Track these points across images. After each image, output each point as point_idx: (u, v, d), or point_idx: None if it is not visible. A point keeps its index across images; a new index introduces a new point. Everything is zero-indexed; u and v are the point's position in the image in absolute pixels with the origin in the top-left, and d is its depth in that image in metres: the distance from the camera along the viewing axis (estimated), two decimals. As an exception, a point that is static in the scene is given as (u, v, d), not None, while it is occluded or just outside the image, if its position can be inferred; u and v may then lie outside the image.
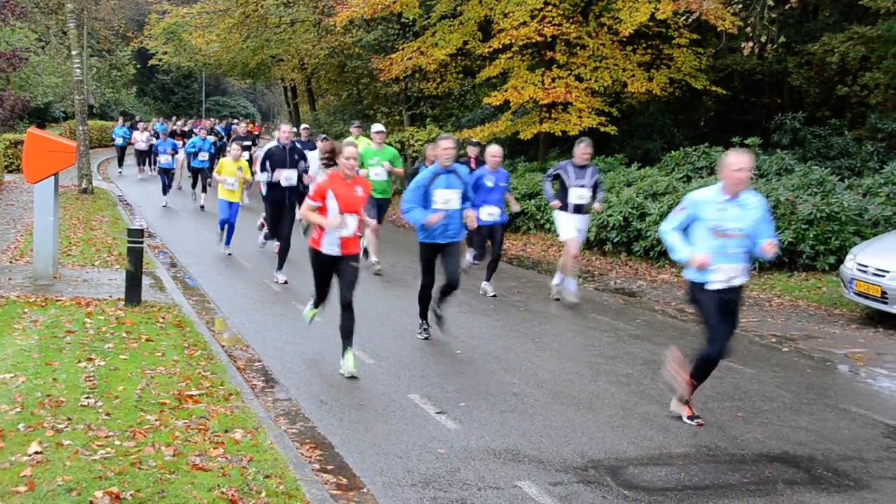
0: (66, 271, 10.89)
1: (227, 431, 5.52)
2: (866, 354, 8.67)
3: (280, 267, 11.32)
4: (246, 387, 6.67)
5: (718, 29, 16.28)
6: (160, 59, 35.80)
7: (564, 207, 10.34)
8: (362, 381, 7.08)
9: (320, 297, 7.63)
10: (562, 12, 17.35)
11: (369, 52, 25.72)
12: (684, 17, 16.14)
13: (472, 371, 7.45)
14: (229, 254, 13.28)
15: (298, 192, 11.25)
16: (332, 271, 7.25)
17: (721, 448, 5.81)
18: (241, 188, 13.41)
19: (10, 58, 21.96)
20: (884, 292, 9.47)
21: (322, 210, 7.04)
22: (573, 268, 10.67)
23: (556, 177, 10.44)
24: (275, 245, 12.08)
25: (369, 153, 12.21)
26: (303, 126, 18.98)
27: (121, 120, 31.22)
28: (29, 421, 5.44)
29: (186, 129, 29.86)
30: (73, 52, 21.43)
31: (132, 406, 5.88)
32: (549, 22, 17.21)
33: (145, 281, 9.76)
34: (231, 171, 13.18)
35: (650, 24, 16.75)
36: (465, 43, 19.59)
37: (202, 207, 19.49)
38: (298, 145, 11.98)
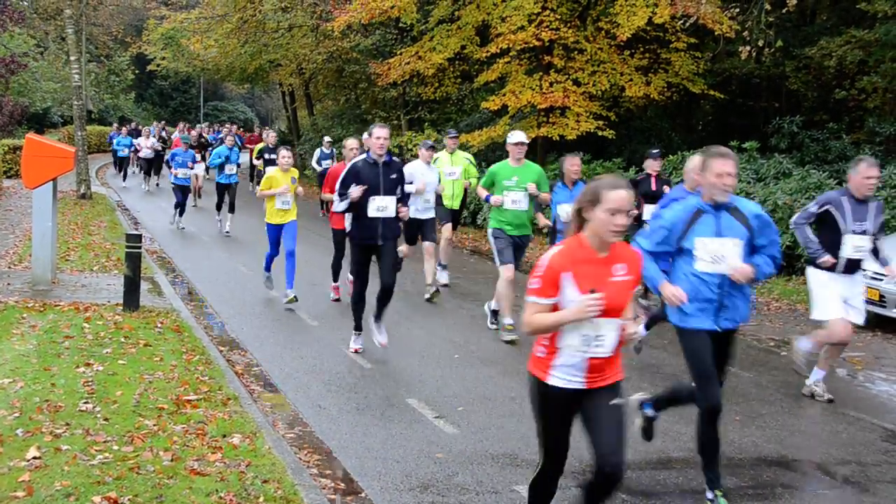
0: (65, 276, 10.89)
1: (225, 436, 5.52)
2: (864, 358, 8.67)
3: (358, 326, 8.05)
4: (244, 391, 6.68)
5: (716, 33, 16.29)
6: (158, 65, 35.85)
7: (833, 265, 6.89)
8: (360, 385, 7.08)
9: (550, 462, 4.04)
10: (559, 17, 17.38)
11: (367, 56, 25.77)
12: (682, 22, 16.18)
13: (471, 375, 7.45)
14: (292, 300, 9.89)
15: (398, 227, 8.11)
16: (570, 416, 3.92)
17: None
18: (294, 205, 10.37)
19: (9, 63, 22.04)
20: (882, 296, 9.48)
21: (555, 310, 3.78)
22: (826, 354, 7.15)
23: (824, 216, 6.87)
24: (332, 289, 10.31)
25: (505, 171, 8.67)
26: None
27: (124, 130, 29.23)
28: (27, 426, 5.45)
29: (213, 134, 26.80)
30: (72, 58, 21.46)
31: (130, 411, 5.88)
32: (547, 26, 17.23)
33: (143, 286, 9.76)
34: (284, 183, 10.18)
35: (648, 28, 16.76)
36: (463, 47, 19.62)
37: (227, 233, 16.16)
38: (396, 159, 8.20)
